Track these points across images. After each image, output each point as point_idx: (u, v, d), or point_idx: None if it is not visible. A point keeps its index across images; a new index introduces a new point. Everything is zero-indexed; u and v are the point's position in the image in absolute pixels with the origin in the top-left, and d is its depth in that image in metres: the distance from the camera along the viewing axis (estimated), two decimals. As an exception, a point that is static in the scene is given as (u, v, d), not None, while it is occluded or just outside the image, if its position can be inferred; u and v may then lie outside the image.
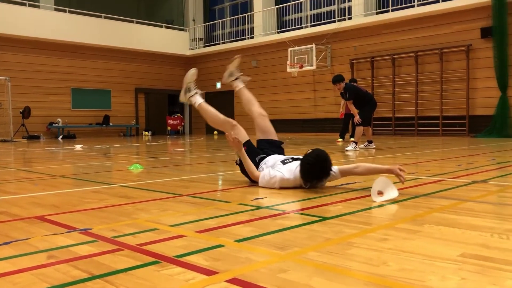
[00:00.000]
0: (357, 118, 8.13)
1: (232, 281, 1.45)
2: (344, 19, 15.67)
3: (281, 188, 3.31)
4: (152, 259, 1.68)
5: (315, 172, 3.17)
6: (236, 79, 4.11)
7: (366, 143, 8.46)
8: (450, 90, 13.45)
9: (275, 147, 3.78)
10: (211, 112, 3.92)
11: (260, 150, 3.73)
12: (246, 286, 1.40)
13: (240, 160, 3.60)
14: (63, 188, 3.74)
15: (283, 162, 3.47)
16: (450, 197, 2.99)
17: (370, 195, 2.91)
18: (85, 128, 18.10)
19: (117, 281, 1.46)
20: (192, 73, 3.93)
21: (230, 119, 3.83)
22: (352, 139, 8.79)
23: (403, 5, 14.36)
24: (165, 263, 1.63)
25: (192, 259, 1.68)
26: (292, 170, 3.32)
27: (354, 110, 8.26)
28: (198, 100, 3.89)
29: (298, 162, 3.37)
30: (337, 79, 8.34)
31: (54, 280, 1.48)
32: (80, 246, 1.88)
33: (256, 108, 3.95)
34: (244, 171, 3.64)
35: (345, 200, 2.90)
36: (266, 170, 3.45)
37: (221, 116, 3.88)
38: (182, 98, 3.92)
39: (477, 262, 1.61)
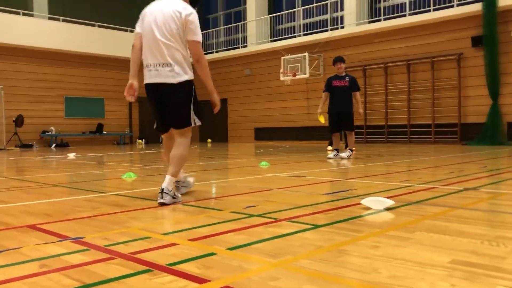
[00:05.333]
0: (362, 111, 8.08)
1: (224, 289, 1.45)
2: (337, 28, 15.79)
3: None
4: (144, 268, 1.68)
5: None
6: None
7: (335, 152, 7.97)
8: (442, 98, 13.55)
9: None
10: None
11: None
12: (238, 294, 1.41)
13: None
14: (56, 197, 3.73)
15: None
16: (441, 204, 3.01)
17: (360, 203, 2.93)
18: (78, 136, 18.03)
19: (109, 289, 1.47)
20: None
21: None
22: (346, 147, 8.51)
23: (395, 14, 14.51)
24: (157, 272, 1.63)
25: (184, 267, 1.68)
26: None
27: (361, 102, 8.25)
28: (190, 179, 3.79)
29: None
30: (342, 58, 8.13)
31: (45, 289, 1.47)
32: (72, 255, 1.88)
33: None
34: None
35: (337, 208, 2.91)
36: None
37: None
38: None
39: (467, 268, 1.62)
